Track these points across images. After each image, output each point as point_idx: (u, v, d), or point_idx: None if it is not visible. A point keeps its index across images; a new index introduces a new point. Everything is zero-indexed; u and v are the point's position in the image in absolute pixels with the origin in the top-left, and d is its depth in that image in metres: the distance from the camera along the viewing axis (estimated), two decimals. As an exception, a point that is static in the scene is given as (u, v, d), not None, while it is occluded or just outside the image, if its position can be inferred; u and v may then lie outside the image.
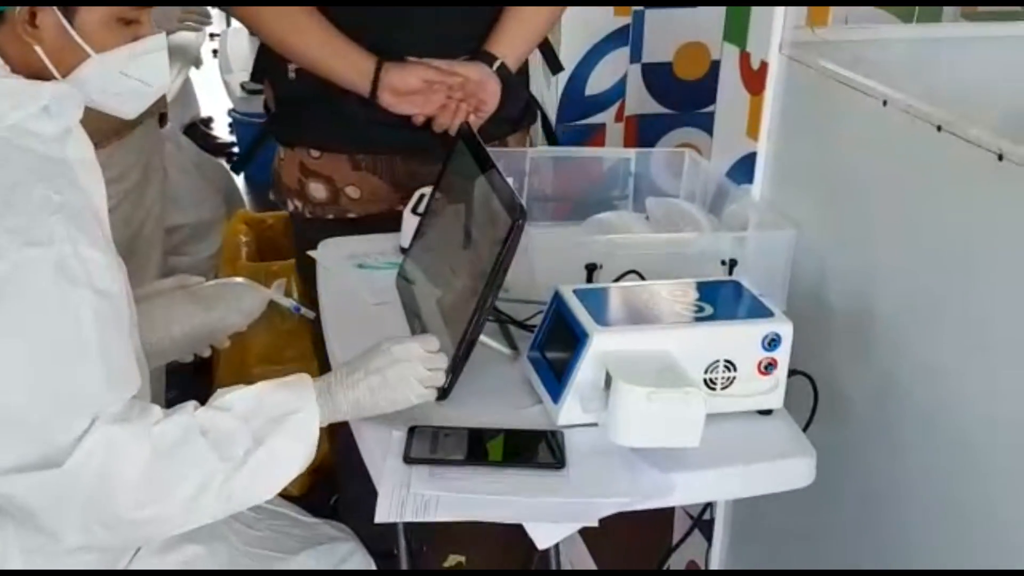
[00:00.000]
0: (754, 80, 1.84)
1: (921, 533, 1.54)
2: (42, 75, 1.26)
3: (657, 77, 2.82)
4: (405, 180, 1.98)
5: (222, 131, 4.91)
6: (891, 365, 1.56)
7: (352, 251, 1.86)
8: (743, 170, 1.89)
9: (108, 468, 1.18)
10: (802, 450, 1.41)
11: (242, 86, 2.91)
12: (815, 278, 1.71)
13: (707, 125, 2.87)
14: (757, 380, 1.41)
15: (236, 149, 4.67)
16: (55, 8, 1.23)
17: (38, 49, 1.24)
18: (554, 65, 2.22)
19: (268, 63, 1.99)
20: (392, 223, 1.90)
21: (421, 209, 1.83)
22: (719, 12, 2.72)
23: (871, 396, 1.61)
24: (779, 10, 1.75)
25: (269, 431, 1.26)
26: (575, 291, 1.46)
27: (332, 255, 1.86)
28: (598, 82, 2.71)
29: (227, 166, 3.62)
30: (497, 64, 1.90)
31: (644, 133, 2.85)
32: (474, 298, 1.43)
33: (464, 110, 1.86)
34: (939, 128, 1.42)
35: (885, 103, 1.53)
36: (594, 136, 2.76)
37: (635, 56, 2.76)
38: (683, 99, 2.85)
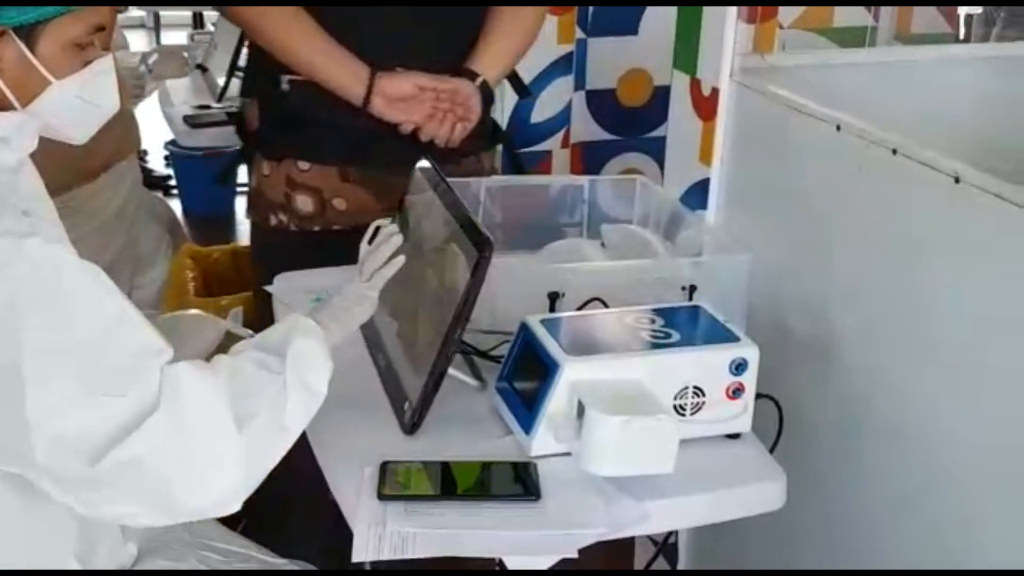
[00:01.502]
0: (705, 106, 1.86)
1: (886, 553, 1.56)
2: None
3: (601, 104, 2.85)
4: (390, 193, 2.00)
5: (157, 164, 4.86)
6: (852, 386, 1.58)
7: (307, 285, 1.84)
8: (696, 196, 1.91)
9: (199, 400, 1.21)
10: (772, 474, 1.42)
11: (185, 119, 2.89)
12: (772, 302, 1.73)
13: (651, 150, 2.92)
14: (725, 405, 1.42)
15: (173, 182, 4.63)
16: (16, 38, 1.22)
17: None
18: (520, 89, 2.26)
19: (258, 79, 2.03)
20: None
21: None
22: (661, 39, 2.77)
23: (833, 417, 1.63)
24: (729, 37, 1.78)
25: (285, 345, 1.30)
26: (542, 321, 1.47)
27: (287, 289, 1.84)
28: (544, 110, 2.73)
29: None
30: (480, 80, 1.96)
31: (590, 159, 2.87)
32: (440, 330, 1.42)
33: (451, 119, 1.92)
34: (894, 152, 1.45)
35: (839, 128, 1.56)
36: (541, 163, 2.78)
37: (579, 83, 2.78)
38: (627, 125, 2.88)
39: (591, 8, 2.74)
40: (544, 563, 1.26)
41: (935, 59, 1.95)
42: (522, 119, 2.72)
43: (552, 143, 2.78)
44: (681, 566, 1.98)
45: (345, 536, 2.09)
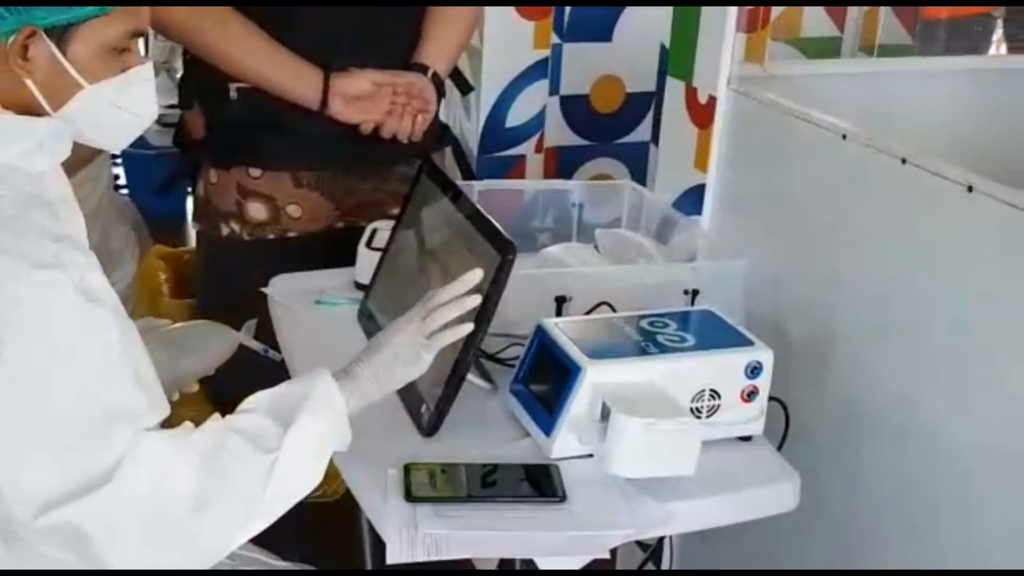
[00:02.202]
0: (701, 113, 1.88)
1: (883, 554, 1.60)
2: (31, 110, 1.22)
3: (575, 109, 2.86)
4: (345, 196, 2.00)
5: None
6: (854, 392, 1.61)
7: (305, 287, 1.84)
8: (690, 201, 1.94)
9: (159, 476, 1.14)
10: (786, 474, 1.44)
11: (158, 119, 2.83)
12: (768, 306, 1.76)
13: (623, 155, 2.95)
14: (740, 407, 1.45)
15: (122, 181, 4.56)
16: (48, 39, 1.19)
17: (29, 83, 1.20)
18: (463, 86, 2.26)
19: (202, 87, 1.99)
20: (330, 241, 1.94)
21: (375, 244, 1.83)
22: (634, 46, 2.81)
23: (833, 422, 1.66)
24: (727, 45, 1.81)
25: (294, 414, 1.22)
26: (558, 324, 1.48)
27: (286, 291, 1.83)
28: (518, 114, 2.74)
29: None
30: (431, 72, 1.96)
31: (563, 164, 2.88)
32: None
33: (410, 113, 1.91)
34: (903, 161, 1.48)
35: (845, 137, 1.59)
36: (515, 167, 2.78)
37: (554, 89, 2.80)
38: (599, 131, 2.90)
39: (567, 13, 2.76)
40: (577, 563, 1.27)
41: (924, 71, 2.01)
42: (497, 123, 2.73)
43: (526, 147, 2.78)
44: (674, 566, 1.99)
45: (320, 542, 2.08)
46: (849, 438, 1.63)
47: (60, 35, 1.21)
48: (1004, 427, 1.38)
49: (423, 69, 1.94)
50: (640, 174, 2.88)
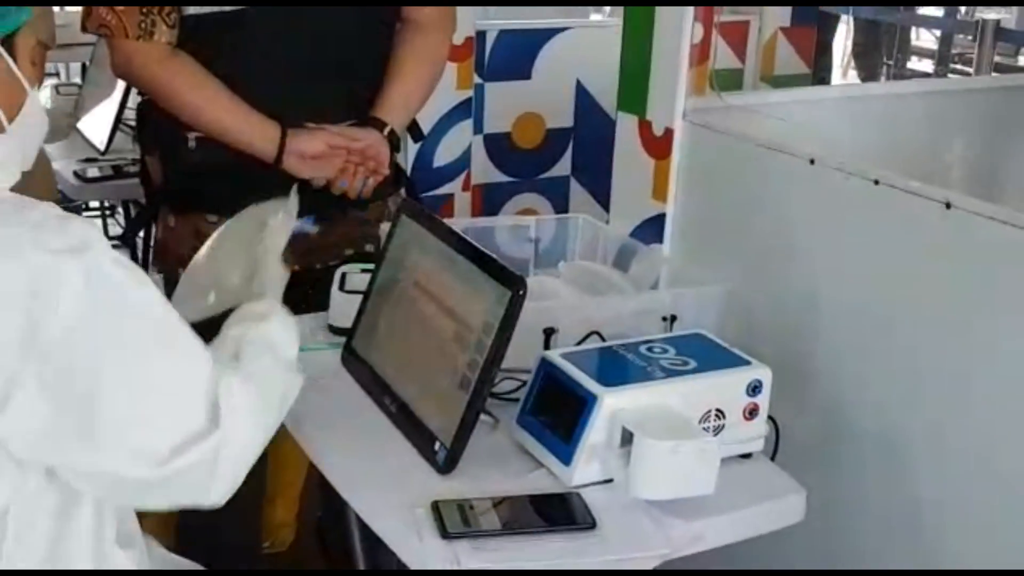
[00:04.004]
0: (657, 146, 1.95)
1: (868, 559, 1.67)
2: None
3: (497, 146, 2.91)
4: (296, 241, 1.99)
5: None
6: (837, 409, 1.68)
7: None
8: (647, 231, 2.00)
9: (253, 410, 1.21)
10: (793, 488, 1.49)
11: (75, 174, 2.77)
12: (741, 330, 1.81)
13: (545, 190, 3.01)
14: (743, 425, 1.49)
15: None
16: (2, 47, 1.16)
17: None
18: (415, 133, 2.29)
19: (161, 136, 1.98)
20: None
21: (348, 287, 1.83)
22: (552, 83, 2.88)
23: (817, 438, 1.72)
24: (682, 79, 1.88)
25: (291, 346, 1.37)
26: (563, 355, 1.51)
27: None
28: (445, 154, 2.77)
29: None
30: (387, 129, 1.98)
31: (489, 201, 2.93)
32: (462, 368, 1.44)
33: (362, 174, 1.95)
34: (876, 182, 1.57)
35: (813, 162, 1.67)
36: (444, 206, 2.81)
37: (477, 127, 2.84)
38: (522, 167, 2.96)
39: (487, 54, 2.81)
40: None
41: (884, 95, 2.11)
42: (425, 164, 2.76)
43: (454, 186, 2.82)
44: None
45: None
46: (834, 452, 1.69)
47: (9, 42, 1.18)
48: (988, 439, 1.46)
49: (380, 125, 1.96)
50: (562, 207, 2.95)
